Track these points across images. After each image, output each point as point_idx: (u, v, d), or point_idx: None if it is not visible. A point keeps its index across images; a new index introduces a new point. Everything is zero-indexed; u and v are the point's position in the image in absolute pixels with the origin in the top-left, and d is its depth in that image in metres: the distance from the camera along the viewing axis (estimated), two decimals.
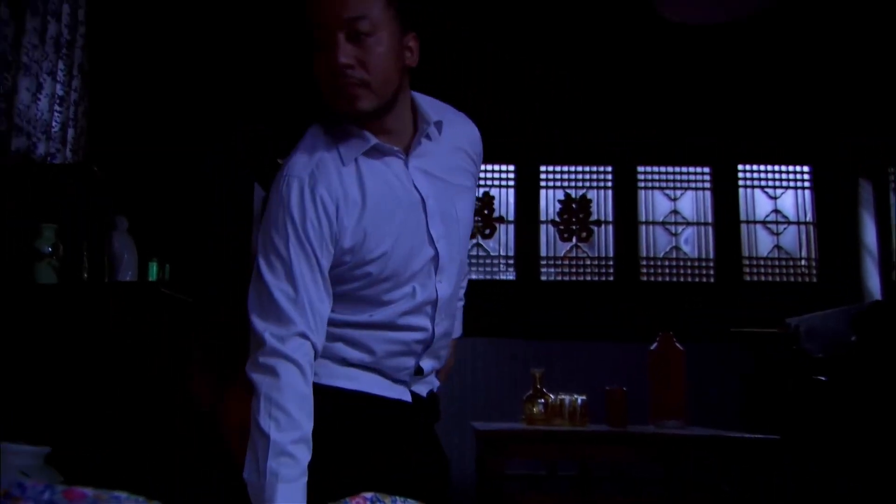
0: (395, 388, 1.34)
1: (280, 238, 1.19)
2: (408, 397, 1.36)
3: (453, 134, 1.36)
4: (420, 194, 1.30)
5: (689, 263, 4.67)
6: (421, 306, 1.32)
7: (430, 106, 1.33)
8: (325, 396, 1.21)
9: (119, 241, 2.59)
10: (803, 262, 4.70)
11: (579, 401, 2.89)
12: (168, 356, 2.18)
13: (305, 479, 1.11)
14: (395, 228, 1.26)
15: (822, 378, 3.31)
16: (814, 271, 4.67)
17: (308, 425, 1.13)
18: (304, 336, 1.17)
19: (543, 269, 4.64)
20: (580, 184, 4.77)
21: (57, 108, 2.74)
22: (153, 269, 2.81)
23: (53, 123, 2.71)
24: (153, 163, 3.60)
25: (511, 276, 4.62)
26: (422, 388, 1.40)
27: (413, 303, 1.30)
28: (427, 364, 1.39)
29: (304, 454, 1.12)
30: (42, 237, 2.22)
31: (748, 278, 4.63)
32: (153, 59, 3.71)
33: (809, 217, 4.74)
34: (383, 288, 1.28)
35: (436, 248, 1.31)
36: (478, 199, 4.73)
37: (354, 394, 1.28)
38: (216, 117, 4.22)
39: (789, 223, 4.75)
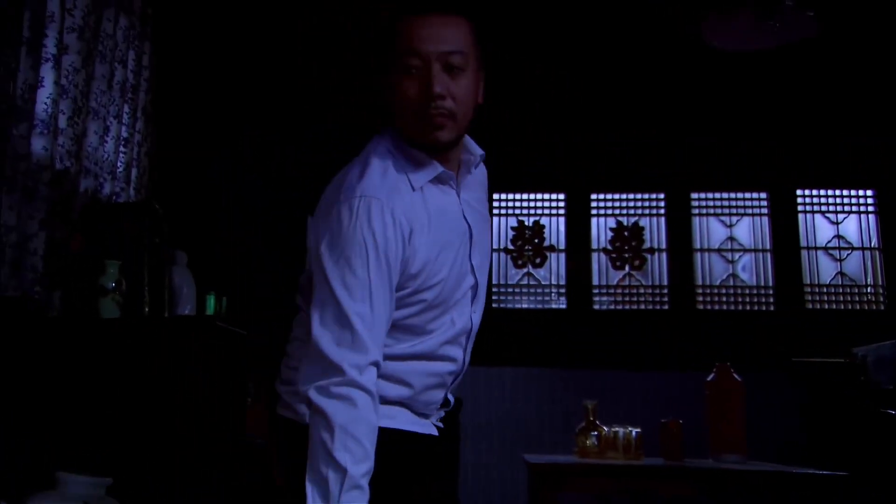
0: (422, 423, 1.34)
1: (359, 258, 1.15)
2: (434, 431, 1.36)
3: (480, 168, 1.42)
4: (468, 223, 1.33)
5: (747, 291, 4.55)
6: (457, 336, 1.32)
7: (469, 140, 1.37)
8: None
9: (178, 276, 2.68)
10: (869, 289, 4.52)
11: (634, 433, 2.83)
12: (224, 389, 2.23)
13: None
14: (451, 256, 1.28)
15: (893, 412, 3.16)
16: (881, 298, 4.49)
17: (373, 456, 1.12)
18: (376, 364, 1.16)
19: (596, 298, 4.58)
20: (632, 211, 4.72)
21: (122, 149, 2.87)
22: (211, 302, 2.90)
23: (118, 164, 2.84)
24: (211, 198, 3.73)
25: (563, 305, 4.58)
26: (437, 417, 1.41)
27: (452, 332, 1.31)
28: (451, 396, 1.40)
29: (367, 486, 1.11)
30: (107, 274, 2.31)
31: (810, 306, 4.48)
32: (209, 95, 3.86)
33: (875, 242, 4.57)
34: (430, 316, 1.28)
35: (476, 278, 1.34)
36: (527, 227, 4.72)
37: (393, 433, 1.25)
38: (270, 154, 4.35)
39: (853, 248, 4.59)
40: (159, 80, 3.16)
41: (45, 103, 2.38)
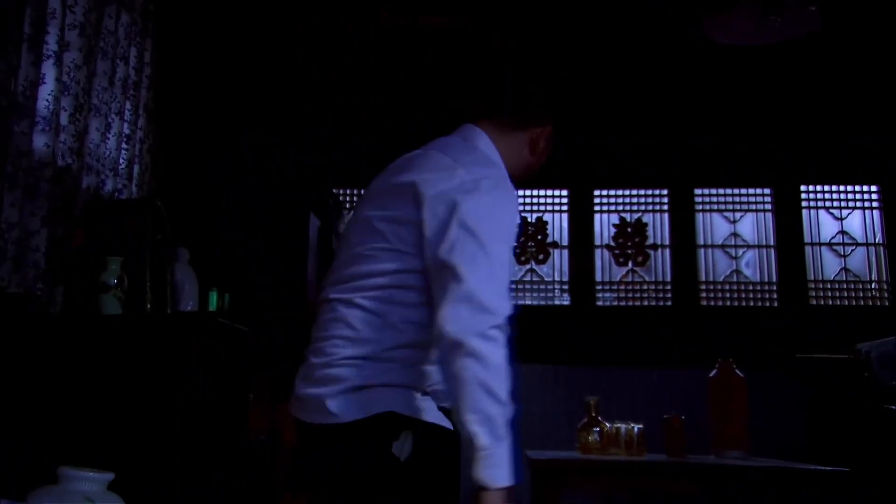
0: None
1: (510, 226, 1.37)
2: None
3: None
4: None
5: (750, 287, 4.54)
6: None
7: None
8: (439, 435, 1.30)
9: (180, 272, 2.69)
10: (873, 285, 4.51)
11: (636, 429, 2.83)
12: (226, 386, 2.23)
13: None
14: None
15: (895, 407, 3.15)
16: (885, 294, 4.47)
17: None
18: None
19: (599, 294, 4.58)
20: (635, 207, 4.71)
21: (124, 145, 2.87)
22: (213, 298, 2.91)
23: (120, 161, 2.84)
24: (213, 194, 3.74)
25: (566, 302, 4.57)
26: None
27: None
28: None
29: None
30: (109, 270, 2.32)
31: (814, 302, 4.47)
32: (213, 92, 3.87)
33: (879, 238, 4.55)
34: None
35: None
36: (530, 223, 4.72)
37: (451, 433, 1.32)
38: (272, 149, 4.35)
39: (857, 244, 4.57)
40: (161, 77, 3.16)
41: (47, 100, 2.39)
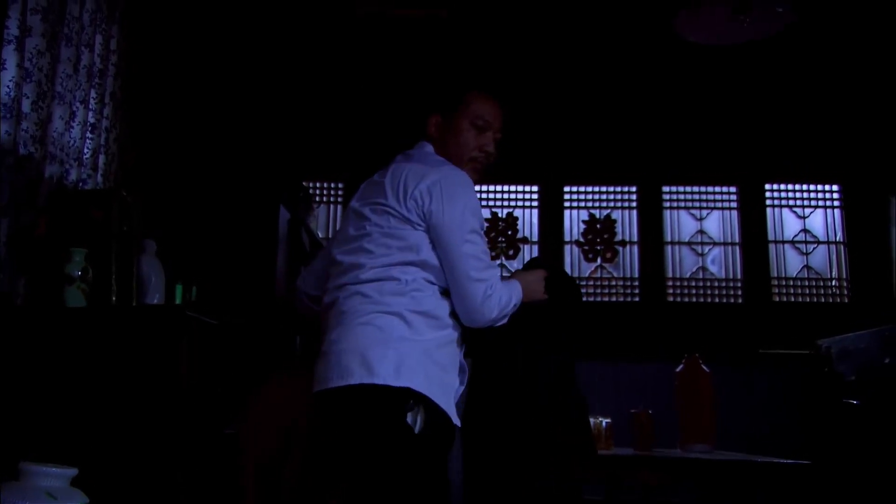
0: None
1: (480, 216, 1.69)
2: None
3: None
4: None
5: (716, 284, 4.62)
6: None
7: None
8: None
9: (147, 264, 2.64)
10: (834, 283, 4.62)
11: (604, 423, 2.86)
12: (194, 379, 2.20)
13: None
14: None
15: (855, 402, 3.24)
16: (845, 291, 4.58)
17: None
18: None
19: None
20: (604, 204, 4.76)
21: (89, 135, 2.81)
22: (179, 291, 2.86)
23: (85, 150, 2.78)
24: (180, 186, 3.68)
25: None
26: None
27: None
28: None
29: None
30: (72, 262, 2.26)
31: (777, 299, 4.56)
32: (183, 84, 3.80)
33: (840, 237, 4.66)
34: None
35: None
36: (501, 219, 4.74)
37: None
38: (242, 141, 4.30)
39: (819, 243, 4.68)
40: (128, 65, 3.10)
41: (8, 87, 2.32)
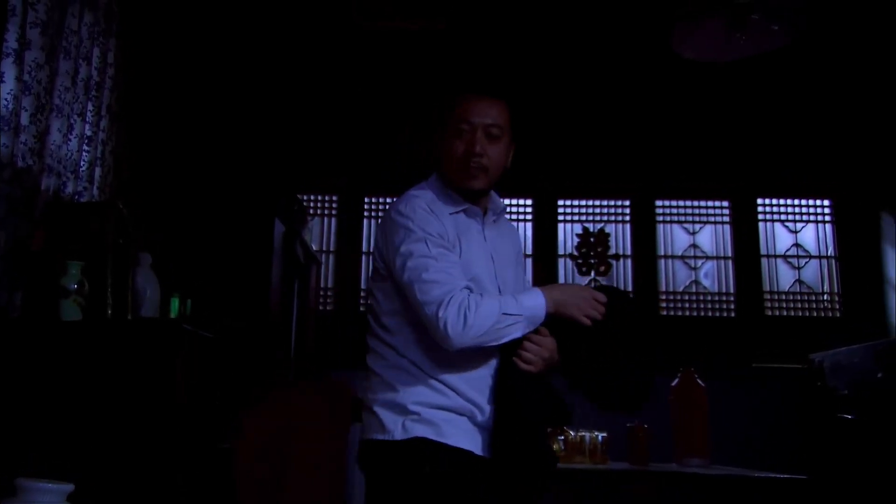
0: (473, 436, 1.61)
1: (416, 223, 1.53)
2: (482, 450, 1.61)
3: (508, 224, 1.86)
4: (490, 250, 1.66)
5: (709, 298, 4.64)
6: None
7: (494, 194, 1.77)
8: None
9: (142, 277, 2.63)
10: (826, 297, 4.65)
11: (600, 438, 2.86)
12: (190, 393, 2.19)
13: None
14: (480, 263, 1.61)
15: (848, 416, 3.25)
16: (837, 306, 4.61)
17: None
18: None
19: None
20: (598, 218, 4.78)
21: (85, 147, 2.80)
22: (175, 304, 2.85)
23: (81, 163, 2.77)
24: (176, 198, 3.67)
25: None
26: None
27: None
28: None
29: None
30: (68, 274, 2.25)
31: (769, 313, 4.58)
32: (178, 97, 3.80)
33: (831, 251, 4.70)
34: None
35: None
36: None
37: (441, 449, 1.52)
38: (237, 154, 4.30)
39: (811, 257, 4.71)
40: (125, 78, 3.10)
41: (7, 99, 2.32)
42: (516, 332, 1.46)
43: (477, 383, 1.51)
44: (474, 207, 1.66)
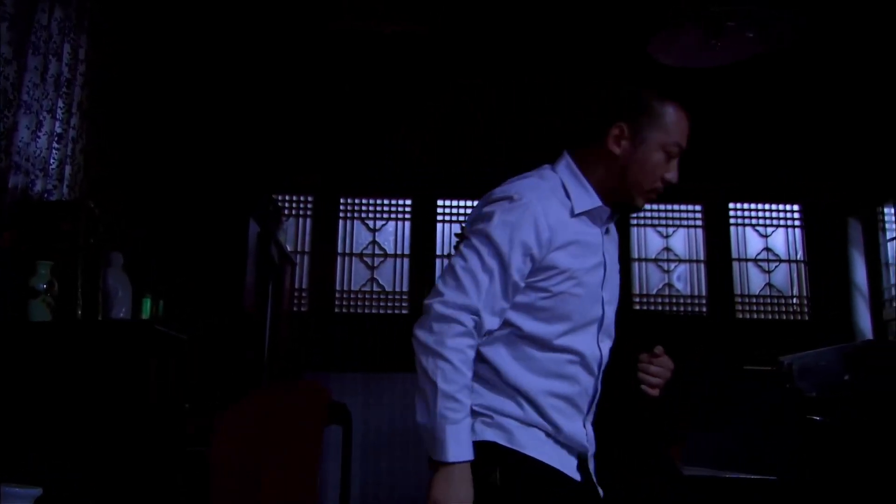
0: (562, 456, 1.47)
1: (503, 233, 1.36)
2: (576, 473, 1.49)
3: (615, 232, 1.61)
4: (604, 258, 1.48)
5: (681, 300, 4.70)
6: (583, 358, 1.45)
7: None
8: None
9: (113, 278, 2.59)
10: (794, 300, 4.73)
11: None
12: (161, 395, 2.16)
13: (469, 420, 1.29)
14: (589, 274, 1.43)
15: (816, 418, 3.31)
16: (805, 309, 4.69)
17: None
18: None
19: None
20: None
21: (55, 145, 2.75)
22: (147, 305, 2.81)
23: (51, 161, 2.72)
24: (148, 198, 3.62)
25: None
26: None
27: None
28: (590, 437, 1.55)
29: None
30: (38, 274, 2.21)
31: (740, 315, 4.65)
32: (151, 96, 3.75)
33: (800, 255, 4.78)
34: (561, 327, 1.43)
35: (603, 310, 1.46)
36: None
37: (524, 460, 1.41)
38: (211, 154, 4.25)
39: (780, 261, 4.79)
40: (96, 76, 3.05)
41: None
42: (421, 406, 1.30)
43: (557, 402, 1.40)
44: (605, 208, 1.48)
